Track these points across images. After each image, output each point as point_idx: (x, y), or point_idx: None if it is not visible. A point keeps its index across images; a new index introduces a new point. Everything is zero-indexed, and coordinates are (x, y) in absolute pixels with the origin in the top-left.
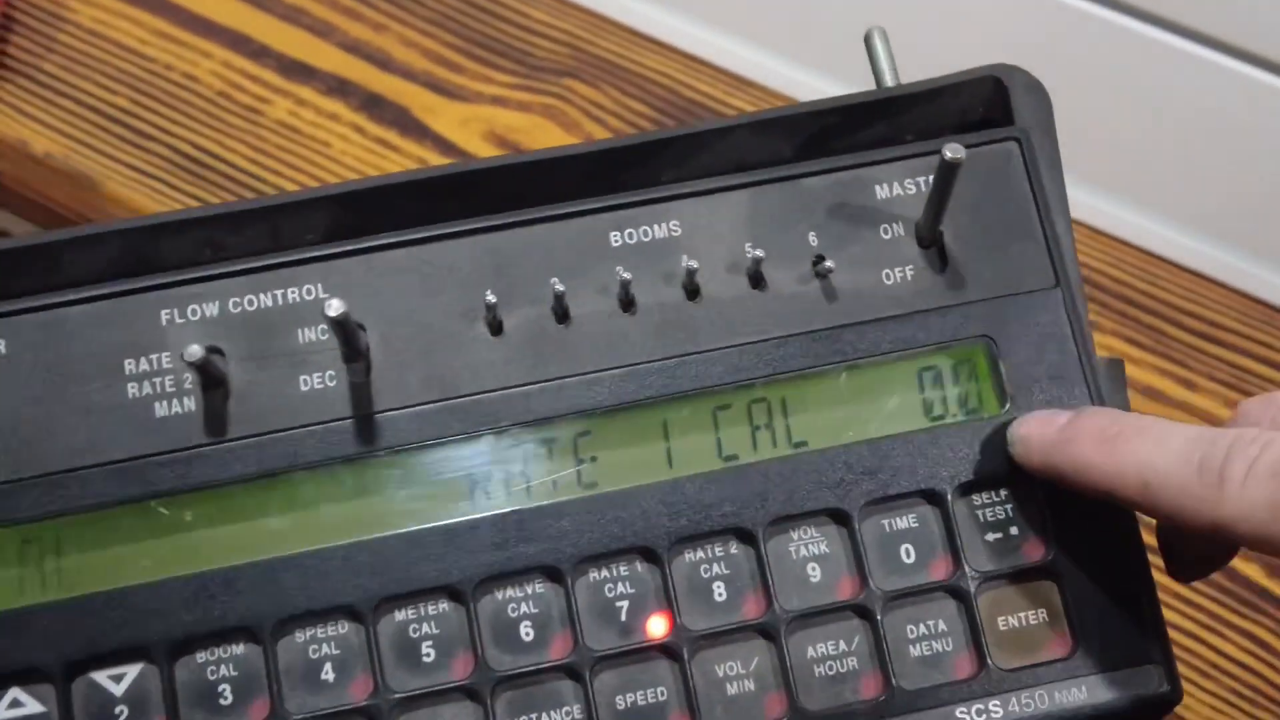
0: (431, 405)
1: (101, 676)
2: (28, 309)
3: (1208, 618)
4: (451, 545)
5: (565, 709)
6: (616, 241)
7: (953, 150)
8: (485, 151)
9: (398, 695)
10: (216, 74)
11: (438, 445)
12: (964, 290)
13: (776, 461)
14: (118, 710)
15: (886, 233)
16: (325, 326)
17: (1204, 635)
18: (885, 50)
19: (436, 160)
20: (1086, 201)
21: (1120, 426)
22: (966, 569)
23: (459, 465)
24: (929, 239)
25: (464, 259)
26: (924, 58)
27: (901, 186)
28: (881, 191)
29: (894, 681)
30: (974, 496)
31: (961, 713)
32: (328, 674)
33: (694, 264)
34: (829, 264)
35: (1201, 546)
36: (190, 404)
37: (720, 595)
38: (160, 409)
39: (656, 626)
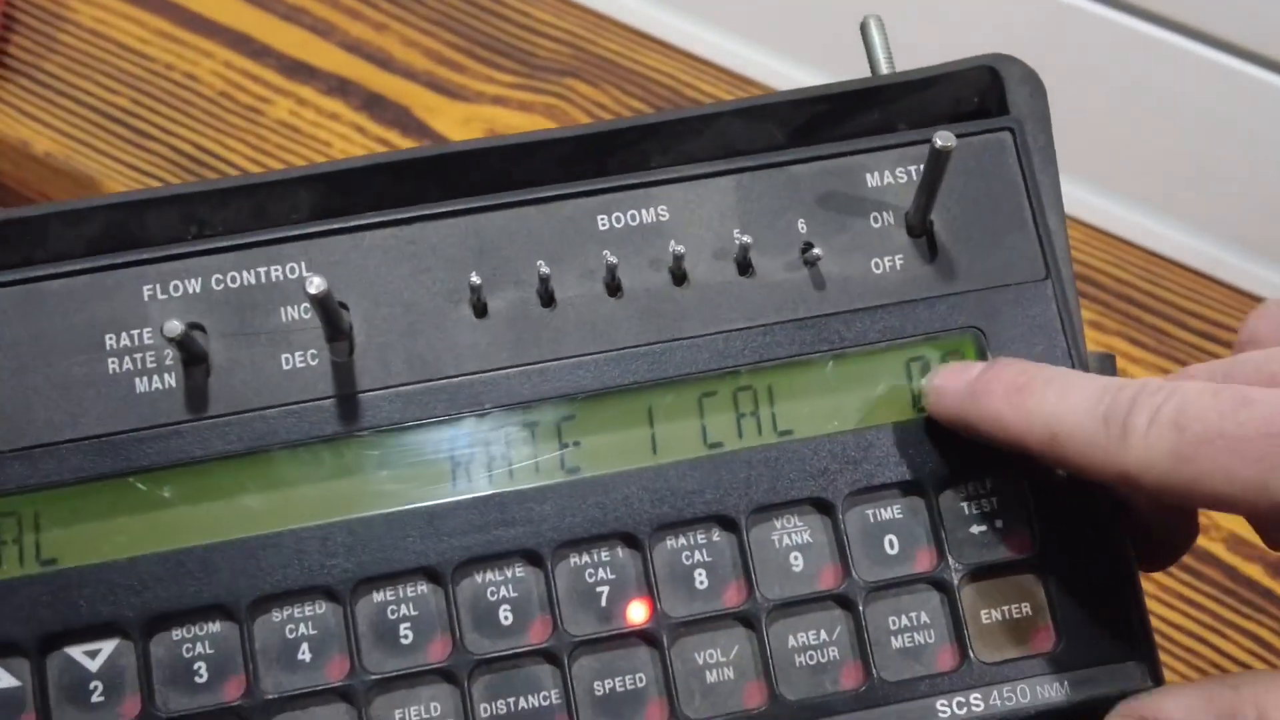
0: (414, 386)
1: (77, 652)
2: (8, 282)
3: (1210, 618)
4: (431, 527)
5: (543, 693)
6: (603, 225)
7: (943, 138)
8: None
9: (374, 676)
10: (217, 74)
11: (419, 426)
12: (953, 280)
13: (761, 449)
14: (92, 686)
15: (876, 221)
16: (308, 305)
17: (1206, 635)
18: (881, 38)
19: None
20: (1089, 200)
21: (1029, 378)
22: (950, 561)
23: (441, 447)
24: (919, 228)
25: (449, 240)
26: (926, 58)
27: (892, 175)
28: (872, 180)
29: (875, 672)
30: (959, 489)
31: (942, 705)
32: (304, 654)
33: (681, 249)
34: (817, 252)
35: (1157, 525)
36: (171, 380)
37: (701, 582)
38: (140, 385)
39: (637, 613)
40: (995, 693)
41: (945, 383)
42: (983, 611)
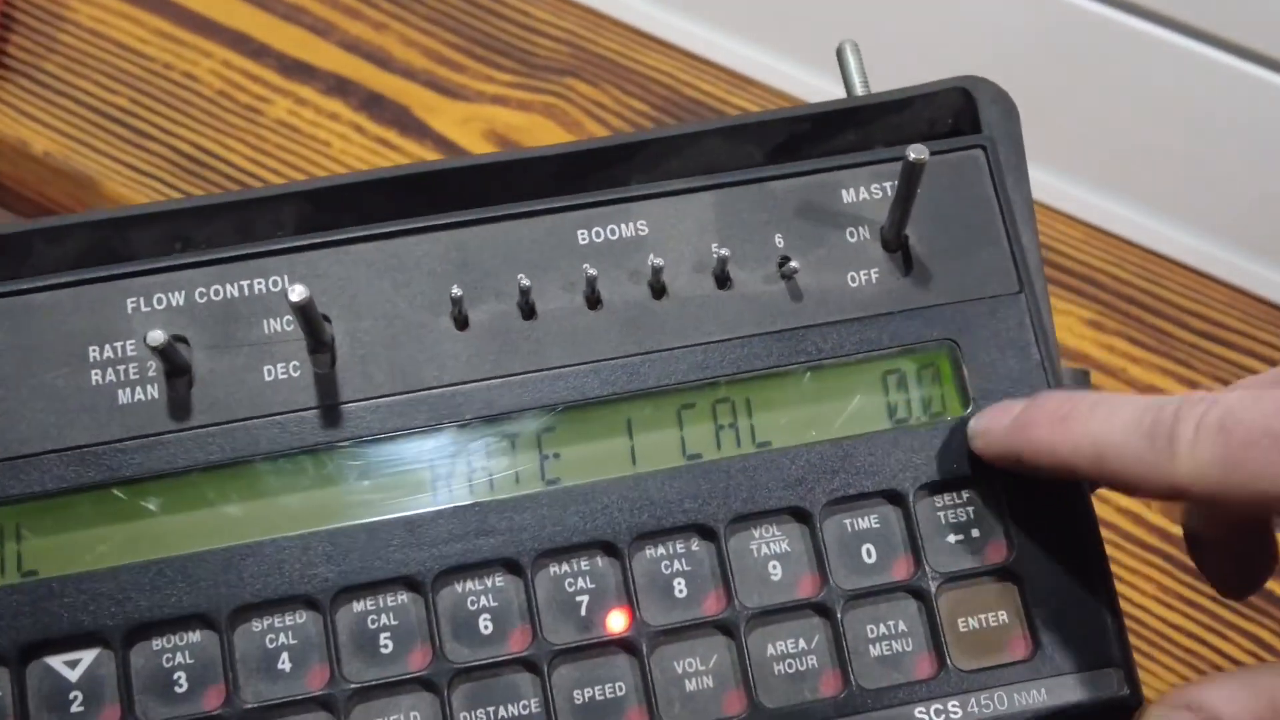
0: (395, 397)
1: (56, 661)
2: None
3: (1210, 618)
4: (412, 536)
5: (523, 702)
6: (584, 239)
7: (916, 151)
8: (485, 151)
9: (354, 685)
10: (216, 73)
11: (400, 437)
12: (928, 294)
13: (739, 459)
14: (72, 695)
15: (852, 236)
16: (290, 317)
17: (1206, 636)
18: (856, 62)
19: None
20: (1089, 200)
21: (1072, 404)
22: (927, 569)
23: (421, 457)
24: (894, 242)
25: (431, 253)
26: (927, 58)
27: (867, 191)
28: (847, 195)
29: (853, 680)
30: (936, 498)
31: (920, 712)
32: (284, 663)
33: (660, 262)
34: (794, 265)
35: (1230, 542)
36: (154, 391)
37: (681, 591)
38: (123, 396)
39: (616, 621)
40: (973, 700)
41: (990, 424)
42: (960, 619)
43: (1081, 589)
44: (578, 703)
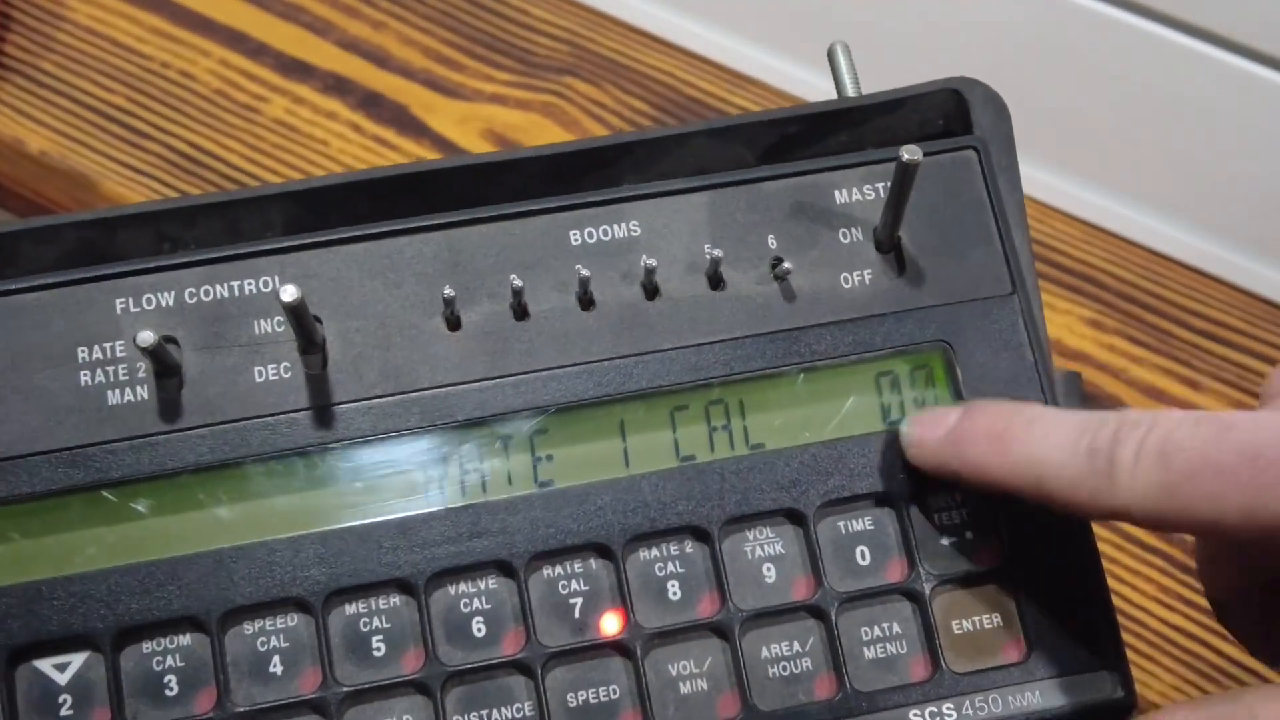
0: (387, 398)
1: (45, 665)
2: None
3: (1210, 619)
4: (404, 538)
5: (516, 705)
6: (576, 240)
7: (910, 152)
8: (483, 150)
9: (346, 688)
10: (214, 72)
11: (392, 438)
12: (921, 295)
13: (733, 461)
14: (61, 699)
15: (845, 237)
16: (282, 318)
17: (1207, 637)
18: (847, 62)
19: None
20: (1090, 199)
21: (1006, 422)
22: (921, 572)
23: (413, 459)
24: (887, 244)
25: (423, 254)
26: (929, 57)
27: (860, 192)
28: (840, 196)
29: (848, 683)
30: (930, 500)
31: (915, 715)
32: (276, 666)
33: (653, 263)
34: (787, 266)
35: (1258, 603)
36: (143, 392)
37: (675, 594)
38: (113, 397)
39: (610, 624)
40: (967, 702)
41: (924, 434)
42: (954, 622)
43: (1075, 591)
44: (571, 706)
